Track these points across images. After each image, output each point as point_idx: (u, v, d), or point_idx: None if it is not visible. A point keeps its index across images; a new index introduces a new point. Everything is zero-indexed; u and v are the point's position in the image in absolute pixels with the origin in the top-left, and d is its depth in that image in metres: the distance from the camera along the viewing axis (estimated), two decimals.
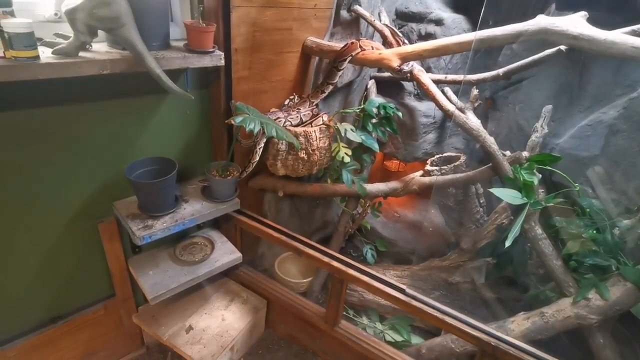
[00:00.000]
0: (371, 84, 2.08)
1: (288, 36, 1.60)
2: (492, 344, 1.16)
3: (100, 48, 1.09)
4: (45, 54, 0.95)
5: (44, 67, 0.91)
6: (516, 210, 1.40)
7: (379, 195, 1.86)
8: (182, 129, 1.47)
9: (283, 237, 1.55)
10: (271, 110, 1.60)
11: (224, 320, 1.59)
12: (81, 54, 1.00)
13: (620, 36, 1.02)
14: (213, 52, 1.24)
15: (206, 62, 1.22)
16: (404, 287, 1.34)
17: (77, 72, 0.97)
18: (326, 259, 1.46)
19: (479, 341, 1.19)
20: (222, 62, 1.27)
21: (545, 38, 1.12)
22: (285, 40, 1.60)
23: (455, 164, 1.78)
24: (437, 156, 1.93)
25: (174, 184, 1.33)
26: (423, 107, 1.99)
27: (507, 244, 1.29)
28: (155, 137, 1.39)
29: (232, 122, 1.23)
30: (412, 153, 2.10)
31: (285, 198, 1.93)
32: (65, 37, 1.02)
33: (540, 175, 1.55)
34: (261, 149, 1.48)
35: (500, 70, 1.44)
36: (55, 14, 1.07)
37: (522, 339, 1.30)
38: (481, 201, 1.91)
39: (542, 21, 1.12)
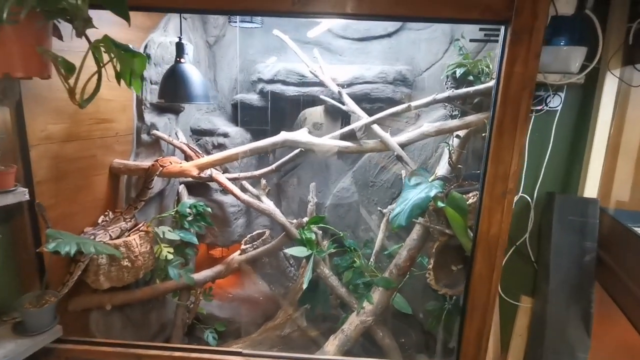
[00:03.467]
0: (182, 188, 2.35)
1: (93, 162, 1.75)
2: None
3: None
4: None
5: None
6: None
7: (208, 281, 2.06)
8: None
9: (119, 349, 1.54)
10: (85, 230, 1.66)
11: None
12: None
13: (326, 140, 1.67)
14: (15, 189, 1.29)
15: (9, 200, 1.26)
16: (240, 350, 1.55)
17: None
18: (167, 353, 1.54)
19: None
20: (27, 197, 1.32)
21: (289, 145, 1.70)
22: (91, 166, 1.73)
23: (263, 238, 2.18)
24: (249, 235, 2.30)
25: None
26: (229, 199, 2.37)
27: (304, 286, 1.70)
28: None
29: (45, 250, 1.27)
30: (229, 238, 2.41)
31: (115, 312, 1.89)
32: None
33: (321, 232, 2.09)
34: (80, 269, 1.51)
35: (273, 165, 1.97)
36: None
37: (337, 354, 1.69)
38: (291, 262, 2.34)
39: (284, 135, 1.70)
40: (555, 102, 1.78)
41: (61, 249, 1.30)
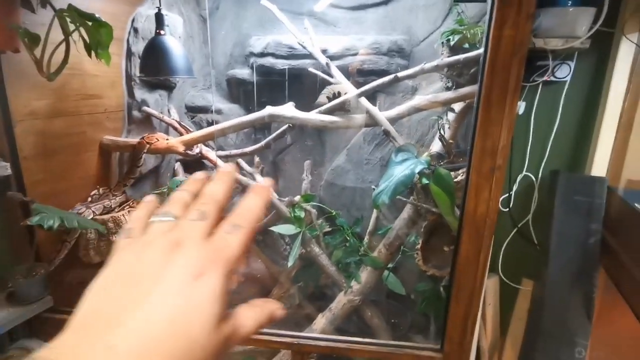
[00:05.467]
0: (177, 165, 2.37)
1: (83, 139, 1.76)
2: (295, 342, 1.49)
3: None
4: None
5: None
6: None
7: None
8: None
9: None
10: (76, 207, 1.69)
11: None
12: None
13: (312, 115, 1.62)
14: None
15: None
16: None
17: None
18: None
19: (286, 345, 1.50)
20: (9, 172, 1.35)
21: (274, 120, 1.66)
22: (81, 143, 1.75)
23: None
24: None
25: None
26: None
27: (289, 264, 1.69)
28: None
29: (28, 223, 1.31)
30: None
31: None
32: None
33: (315, 210, 2.07)
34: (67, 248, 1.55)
35: (263, 142, 1.94)
36: None
37: (323, 332, 1.68)
38: (286, 240, 2.34)
39: (269, 110, 1.66)
40: (564, 72, 1.66)
41: (44, 222, 1.33)
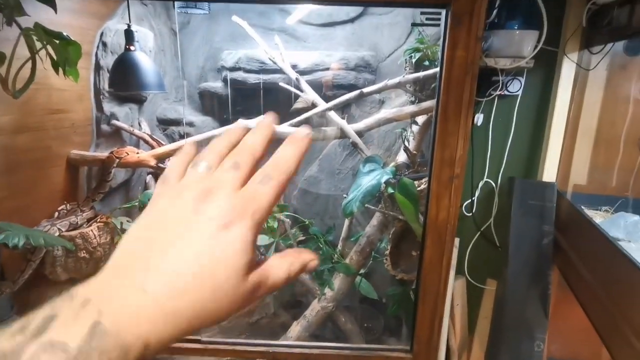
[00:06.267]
0: (149, 178, 2.34)
1: (49, 154, 1.73)
2: (270, 350, 1.52)
3: None
4: None
5: None
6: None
7: None
8: None
9: None
10: (41, 224, 1.65)
11: None
12: None
13: (284, 127, 1.67)
14: None
15: None
16: (199, 337, 1.57)
17: None
18: None
19: (261, 354, 1.53)
20: None
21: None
22: (46, 158, 1.72)
23: None
24: None
25: None
26: None
27: None
28: None
29: None
30: None
31: None
32: None
33: (289, 220, 2.11)
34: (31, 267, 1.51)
35: None
36: None
37: (298, 340, 1.72)
38: (261, 250, 2.36)
39: (242, 122, 1.69)
40: (515, 87, 1.79)
41: (9, 241, 1.30)
